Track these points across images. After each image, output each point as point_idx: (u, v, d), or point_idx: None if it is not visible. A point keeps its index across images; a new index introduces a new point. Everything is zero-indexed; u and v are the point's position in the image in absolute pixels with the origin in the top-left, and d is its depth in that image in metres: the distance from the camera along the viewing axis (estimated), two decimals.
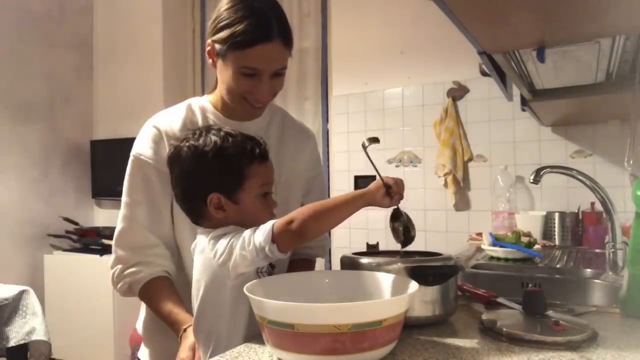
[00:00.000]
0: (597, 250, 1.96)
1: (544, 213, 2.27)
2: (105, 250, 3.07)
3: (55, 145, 3.48)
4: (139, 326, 1.18)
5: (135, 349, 2.63)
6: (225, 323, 0.86)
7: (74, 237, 3.33)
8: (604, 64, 1.40)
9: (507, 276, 1.58)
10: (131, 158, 1.08)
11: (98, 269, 2.96)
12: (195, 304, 0.89)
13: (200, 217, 0.92)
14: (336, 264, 1.46)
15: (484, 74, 1.89)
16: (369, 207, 0.90)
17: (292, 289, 0.85)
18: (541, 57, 1.11)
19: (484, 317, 0.89)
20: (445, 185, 2.65)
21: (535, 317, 0.88)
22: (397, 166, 2.81)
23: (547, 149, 2.44)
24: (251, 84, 1.01)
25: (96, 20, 3.73)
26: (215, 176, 0.89)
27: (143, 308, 1.15)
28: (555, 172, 1.46)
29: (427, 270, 0.90)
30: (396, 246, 1.00)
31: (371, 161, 0.96)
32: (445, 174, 2.62)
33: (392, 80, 2.85)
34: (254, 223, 0.85)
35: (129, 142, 1.10)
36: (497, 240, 1.84)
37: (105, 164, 3.52)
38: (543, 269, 1.66)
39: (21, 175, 3.27)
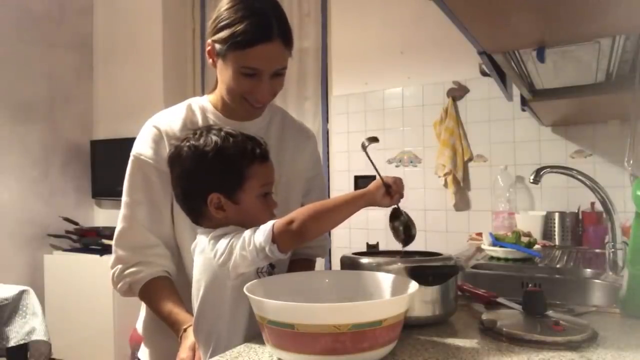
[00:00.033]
0: (597, 250, 1.96)
1: (544, 213, 2.27)
2: (105, 250, 3.07)
3: (55, 145, 3.48)
4: (139, 326, 1.18)
5: (135, 349, 2.63)
6: (225, 323, 0.86)
7: (74, 237, 3.33)
8: (604, 64, 1.40)
9: (507, 276, 1.58)
10: (131, 158, 1.08)
11: (98, 269, 2.96)
12: (196, 304, 0.89)
13: (200, 217, 0.92)
14: (336, 264, 1.46)
15: (484, 74, 1.89)
16: (369, 207, 0.90)
17: (292, 289, 0.85)
18: (541, 57, 1.11)
19: (484, 317, 0.89)
20: (445, 185, 2.65)
21: (535, 317, 0.88)
22: (397, 166, 2.81)
23: (547, 149, 2.44)
24: (251, 84, 1.01)
25: (96, 20, 3.73)
26: (216, 176, 0.89)
27: (143, 308, 1.15)
28: (555, 172, 1.46)
29: (427, 270, 0.90)
30: (396, 246, 1.00)
31: (371, 161, 0.96)
32: (445, 174, 2.62)
33: (392, 80, 2.85)
34: (254, 223, 0.85)
35: (129, 142, 1.10)
36: (497, 240, 1.84)
37: (105, 164, 3.52)
38: (543, 269, 1.66)
39: (21, 175, 3.27)
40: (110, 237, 1.27)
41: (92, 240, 3.24)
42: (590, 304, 1.38)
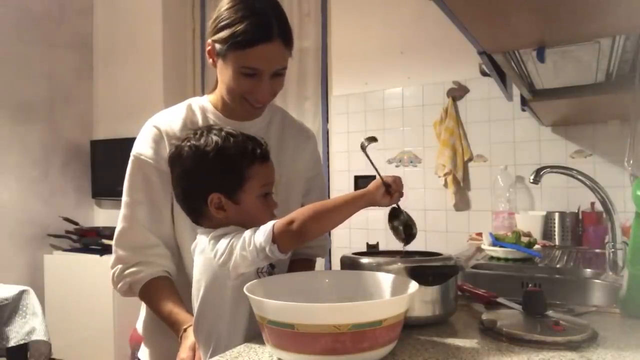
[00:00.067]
0: (597, 250, 1.96)
1: (544, 213, 2.27)
2: (105, 250, 3.06)
3: (55, 145, 3.48)
4: (139, 326, 1.18)
5: (135, 349, 2.63)
6: (225, 323, 0.86)
7: (74, 237, 3.33)
8: (604, 64, 1.40)
9: (507, 276, 1.58)
10: (131, 158, 1.08)
11: (98, 269, 2.96)
12: (196, 304, 0.89)
13: (200, 217, 0.92)
14: (336, 264, 1.46)
15: (484, 74, 1.89)
16: (369, 207, 0.90)
17: (292, 289, 0.85)
18: (541, 57, 1.11)
19: (484, 317, 0.89)
20: (445, 185, 2.65)
21: (535, 317, 0.88)
22: (397, 166, 2.81)
23: (547, 149, 2.44)
24: (251, 84, 1.01)
25: (96, 20, 3.73)
26: (216, 176, 0.89)
27: (143, 308, 1.15)
28: (555, 172, 1.46)
29: (427, 270, 0.90)
30: (396, 246, 1.00)
31: (371, 161, 0.96)
32: (445, 174, 2.62)
33: (392, 80, 2.85)
34: (255, 223, 0.85)
35: (129, 142, 1.10)
36: (497, 240, 1.84)
37: (105, 164, 3.52)
38: (543, 269, 1.66)
39: (21, 175, 3.27)
40: (110, 237, 1.27)
41: (92, 240, 3.24)
42: (590, 304, 1.38)
